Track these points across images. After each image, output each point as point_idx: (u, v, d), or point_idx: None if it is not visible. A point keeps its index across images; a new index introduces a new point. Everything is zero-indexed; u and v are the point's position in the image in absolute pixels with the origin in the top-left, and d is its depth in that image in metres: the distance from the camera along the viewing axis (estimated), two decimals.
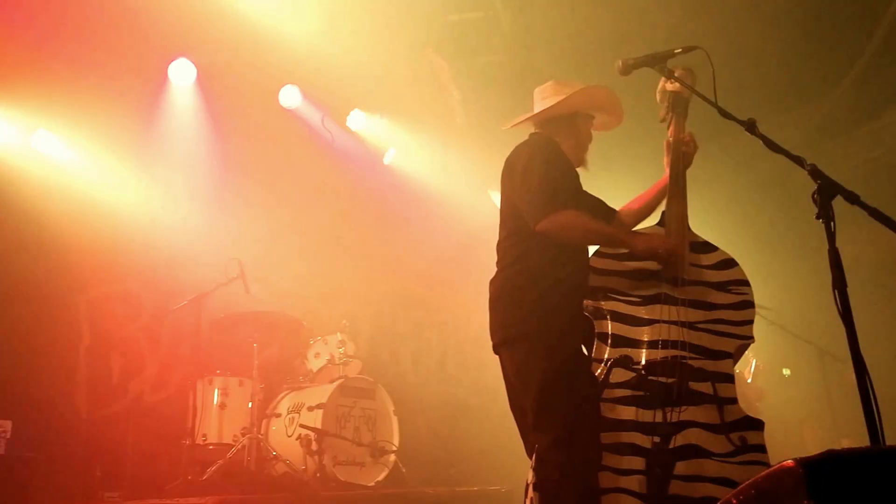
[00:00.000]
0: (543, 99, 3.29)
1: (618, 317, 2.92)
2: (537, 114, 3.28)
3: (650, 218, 3.30)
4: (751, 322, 2.95)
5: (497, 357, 3.13)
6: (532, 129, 3.36)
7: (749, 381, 6.78)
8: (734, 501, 1.92)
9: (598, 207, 3.33)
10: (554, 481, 2.74)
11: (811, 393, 7.18)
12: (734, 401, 2.82)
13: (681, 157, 3.13)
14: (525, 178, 3.01)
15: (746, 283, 2.98)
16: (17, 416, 5.15)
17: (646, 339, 2.88)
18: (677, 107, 3.16)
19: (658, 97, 3.20)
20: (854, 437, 6.39)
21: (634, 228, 3.28)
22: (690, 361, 2.83)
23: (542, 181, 2.95)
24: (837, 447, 1.78)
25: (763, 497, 1.84)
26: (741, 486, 1.97)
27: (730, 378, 2.85)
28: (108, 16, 5.96)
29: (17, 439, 5.05)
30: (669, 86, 3.14)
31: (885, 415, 2.10)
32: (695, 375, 2.81)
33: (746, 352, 6.89)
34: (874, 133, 7.27)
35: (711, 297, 2.94)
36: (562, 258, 2.96)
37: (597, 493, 2.71)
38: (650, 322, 2.89)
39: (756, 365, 6.93)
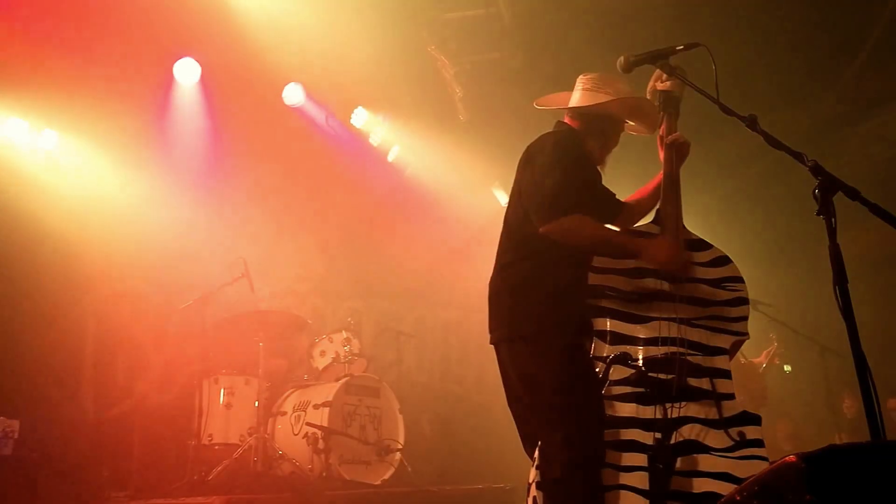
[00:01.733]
0: (586, 90, 3.20)
1: (616, 314, 2.93)
2: (574, 106, 3.21)
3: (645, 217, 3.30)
4: (745, 318, 2.97)
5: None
6: (562, 113, 3.29)
7: (765, 365, 6.79)
8: (738, 497, 1.94)
9: (611, 202, 3.30)
10: (560, 479, 2.75)
11: (812, 388, 7.19)
12: (732, 396, 2.84)
13: (674, 157, 3.13)
14: (539, 176, 2.95)
15: (741, 280, 3.00)
16: (24, 416, 5.18)
17: (644, 337, 2.90)
18: (668, 106, 3.15)
19: (648, 97, 3.19)
20: (855, 431, 6.40)
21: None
22: (688, 358, 2.85)
23: (555, 182, 2.88)
24: (837, 442, 1.79)
25: (765, 492, 1.86)
26: (745, 482, 1.99)
27: (727, 374, 2.87)
28: (113, 16, 5.98)
29: (24, 440, 5.09)
30: (660, 85, 3.13)
31: (885, 410, 2.10)
32: (693, 372, 2.84)
33: (769, 333, 6.86)
34: (875, 129, 7.26)
35: (706, 293, 2.96)
36: (570, 257, 2.95)
37: (600, 491, 2.72)
38: (648, 319, 2.91)
39: (774, 349, 6.93)
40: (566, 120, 3.27)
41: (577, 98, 3.23)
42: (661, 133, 3.20)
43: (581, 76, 3.27)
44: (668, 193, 3.08)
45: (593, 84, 3.19)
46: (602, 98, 3.14)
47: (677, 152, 3.14)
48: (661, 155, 3.23)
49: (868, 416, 2.09)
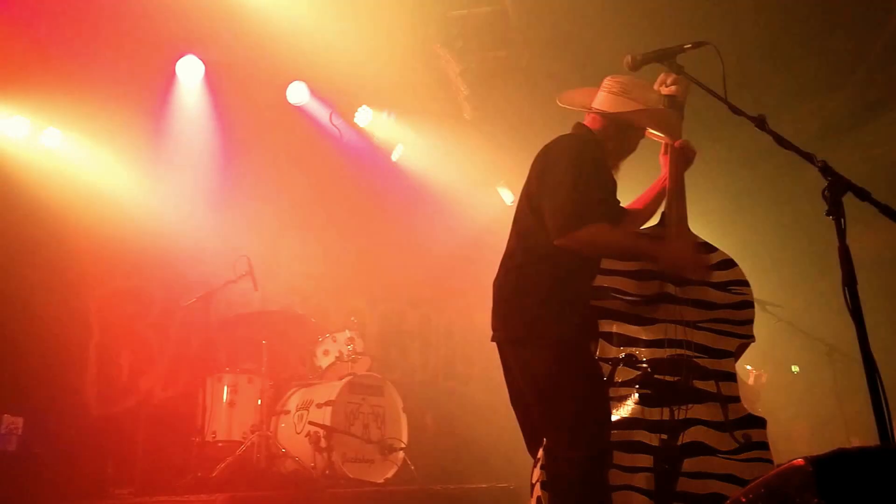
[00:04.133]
0: (612, 94, 3.12)
1: (622, 316, 2.93)
2: (599, 109, 3.15)
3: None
4: (751, 322, 2.98)
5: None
6: (579, 111, 3.24)
7: (751, 382, 6.79)
8: (743, 499, 1.92)
9: (616, 210, 3.24)
10: (566, 479, 2.74)
11: (820, 390, 7.16)
12: (737, 399, 2.86)
13: (679, 160, 3.11)
14: (556, 187, 2.89)
15: (746, 284, 3.01)
16: (28, 413, 5.19)
17: (650, 339, 2.90)
18: (673, 110, 3.14)
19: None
20: (864, 434, 6.36)
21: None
22: (694, 360, 2.86)
23: (575, 192, 2.83)
24: (847, 445, 1.78)
25: (772, 495, 1.84)
26: (751, 484, 1.97)
27: (732, 377, 2.89)
28: (116, 13, 5.98)
29: (28, 436, 5.10)
30: (664, 89, 3.11)
31: (894, 412, 2.09)
32: (698, 374, 2.84)
33: (749, 366, 6.91)
34: (885, 128, 7.23)
35: (712, 296, 2.97)
36: (579, 261, 2.92)
37: (607, 491, 2.72)
38: (653, 321, 2.91)
39: (757, 376, 6.95)
40: (587, 121, 3.22)
41: (601, 100, 3.16)
42: (665, 142, 3.19)
43: (609, 78, 3.19)
44: (674, 199, 3.06)
45: (621, 88, 3.12)
46: (629, 106, 3.08)
47: (685, 159, 3.12)
48: (662, 159, 3.21)
49: (877, 417, 2.08)
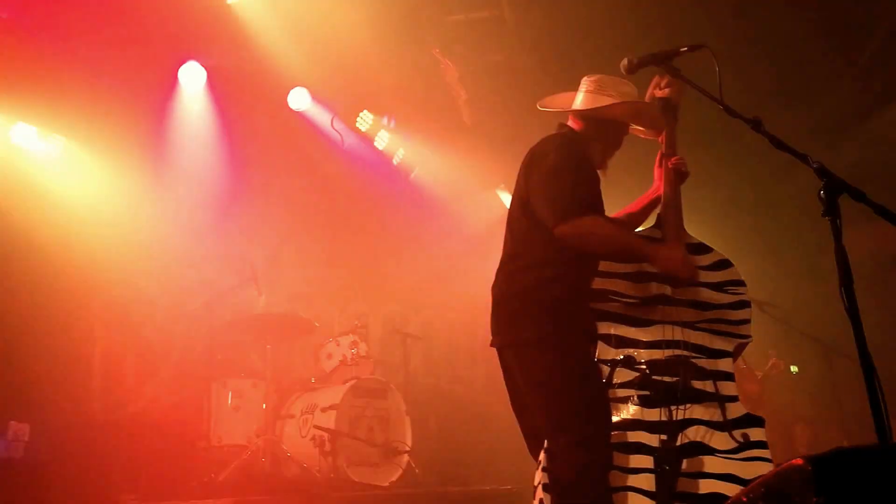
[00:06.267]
0: (590, 93, 3.15)
1: (619, 318, 2.95)
2: (577, 109, 3.18)
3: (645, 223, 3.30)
4: (748, 321, 2.99)
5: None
6: (565, 114, 3.26)
7: (760, 377, 6.78)
8: (744, 499, 1.94)
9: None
10: (569, 481, 2.75)
11: (818, 390, 7.16)
12: (735, 398, 2.87)
13: (674, 175, 3.13)
14: (549, 178, 2.92)
15: (742, 283, 3.02)
16: (34, 420, 5.22)
17: (648, 340, 2.92)
18: (667, 113, 3.16)
19: None
20: (862, 434, 6.36)
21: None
22: (692, 360, 2.87)
23: (568, 183, 2.87)
24: (845, 445, 1.79)
25: (772, 494, 1.86)
26: (751, 483, 1.99)
27: (730, 376, 2.90)
28: (118, 20, 6.02)
29: (34, 443, 5.12)
30: (658, 92, 3.12)
31: (892, 411, 2.10)
32: (696, 374, 2.86)
33: (768, 349, 6.92)
34: (881, 129, 7.23)
35: (709, 297, 2.99)
36: (575, 262, 2.93)
37: (608, 493, 2.73)
38: (651, 323, 2.93)
39: (774, 363, 6.93)
40: (569, 122, 3.24)
41: (580, 100, 3.20)
42: (661, 150, 3.20)
43: (585, 78, 3.23)
44: (671, 206, 3.08)
45: (597, 86, 3.16)
46: (606, 101, 3.10)
47: (679, 175, 3.14)
48: (657, 171, 3.22)
49: (875, 417, 2.09)
